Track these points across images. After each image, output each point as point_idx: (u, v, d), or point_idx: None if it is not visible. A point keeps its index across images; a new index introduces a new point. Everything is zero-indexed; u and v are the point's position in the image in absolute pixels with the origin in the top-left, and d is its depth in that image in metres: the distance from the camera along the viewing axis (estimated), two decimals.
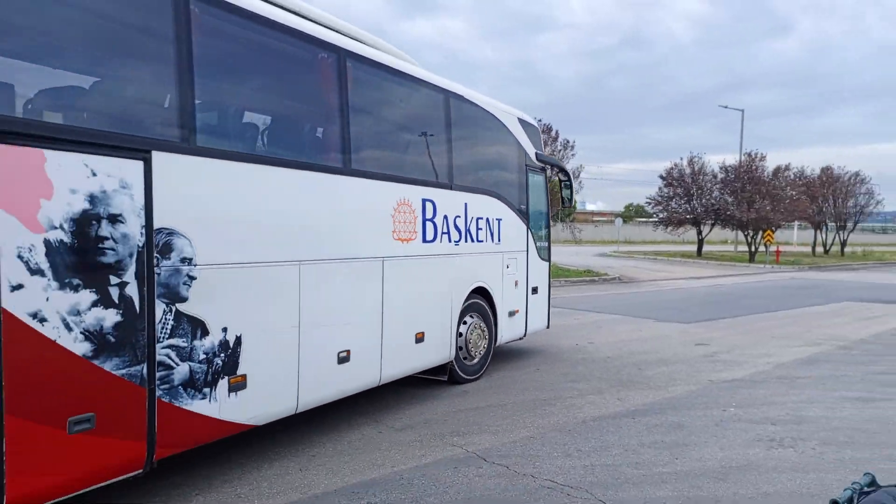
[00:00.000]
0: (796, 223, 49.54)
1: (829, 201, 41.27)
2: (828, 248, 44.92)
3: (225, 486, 4.31)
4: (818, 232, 44.50)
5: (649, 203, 38.28)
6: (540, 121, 19.65)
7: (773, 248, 33.84)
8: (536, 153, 8.82)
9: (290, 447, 5.06)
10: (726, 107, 40.31)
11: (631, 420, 5.90)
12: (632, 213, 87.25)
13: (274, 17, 4.68)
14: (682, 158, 36.13)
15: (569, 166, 18.89)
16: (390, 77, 6.08)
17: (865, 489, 2.00)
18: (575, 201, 9.31)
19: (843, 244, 44.83)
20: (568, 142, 21.79)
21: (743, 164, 34.86)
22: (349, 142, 5.41)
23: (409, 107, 6.64)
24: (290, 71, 5.17)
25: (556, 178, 9.88)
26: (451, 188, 6.88)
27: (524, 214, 8.43)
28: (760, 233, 34.04)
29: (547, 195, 9.34)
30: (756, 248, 35.27)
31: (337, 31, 5.50)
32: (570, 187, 9.69)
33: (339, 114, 5.33)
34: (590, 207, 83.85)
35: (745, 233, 35.10)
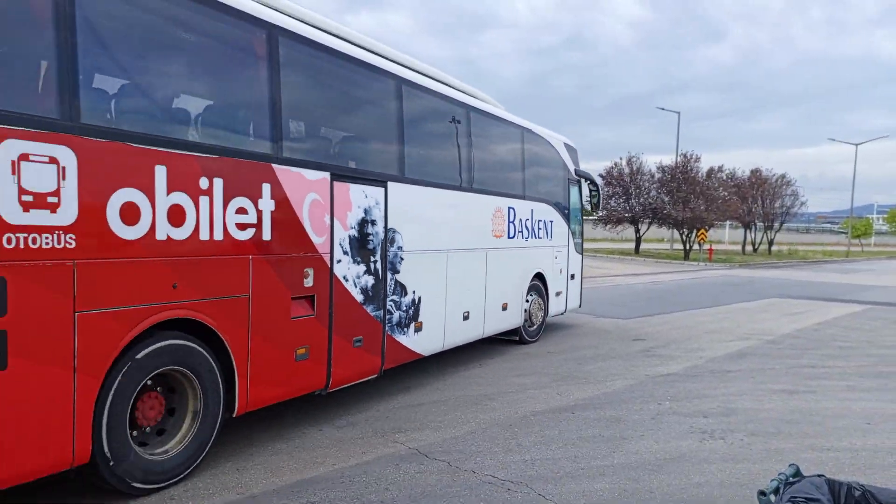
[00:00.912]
0: (728, 223, 51.58)
1: (757, 202, 43.04)
2: (756, 246, 46.92)
3: (168, 488, 4.16)
4: (748, 231, 46.41)
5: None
6: None
7: (706, 247, 35.13)
8: (575, 169, 11.15)
9: (226, 447, 4.93)
10: (663, 109, 41.61)
11: (571, 414, 6.01)
12: None
13: (455, 101, 7.60)
14: (621, 158, 36.97)
15: None
16: (494, 122, 8.54)
17: (791, 479, 2.10)
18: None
19: (771, 243, 46.90)
20: None
21: (679, 165, 35.98)
22: (473, 169, 7.91)
23: (502, 140, 8.93)
24: (449, 131, 7.59)
25: (588, 188, 11.81)
26: (524, 198, 9.22)
27: (566, 217, 10.81)
28: (695, 231, 35.26)
29: (581, 202, 11.53)
30: (691, 247, 36.52)
31: (461, 92, 8.02)
32: (599, 195, 11.79)
33: (467, 151, 7.83)
34: None
35: (681, 231, 36.28)
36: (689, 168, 36.11)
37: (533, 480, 4.40)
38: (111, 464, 3.83)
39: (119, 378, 3.85)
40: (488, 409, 6.14)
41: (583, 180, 11.49)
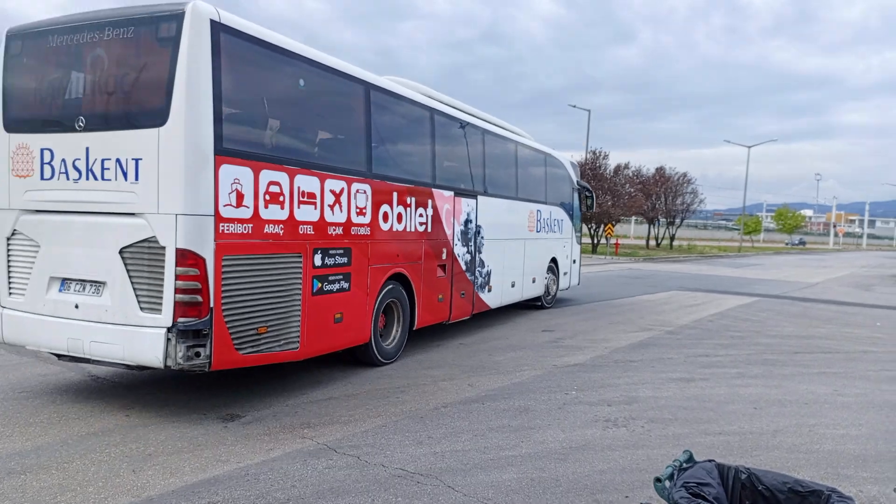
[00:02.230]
0: (633, 218, 53.83)
1: (661, 199, 45.20)
2: (659, 241, 49.28)
3: (43, 494, 3.88)
4: (651, 226, 48.66)
5: None
6: None
7: (612, 241, 36.51)
8: (577, 180, 14.78)
9: (122, 447, 4.66)
10: (575, 106, 42.69)
11: (481, 405, 6.08)
12: None
13: (509, 139, 11.16)
14: None
15: None
16: (529, 150, 12.09)
17: (684, 465, 2.20)
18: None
19: (672, 238, 49.41)
20: None
21: (588, 161, 37.21)
22: (518, 184, 11.37)
23: (533, 162, 12.42)
24: (507, 159, 11.14)
25: (584, 194, 15.18)
26: (546, 203, 12.69)
27: (571, 217, 14.37)
28: (602, 226, 36.59)
29: (580, 205, 15.03)
30: (598, 241, 37.86)
31: (510, 131, 11.45)
32: (592, 199, 15.60)
33: (515, 171, 11.32)
34: None
35: (589, 226, 37.55)
36: (597, 165, 37.42)
37: (443, 473, 4.42)
38: (374, 343, 7.26)
39: (379, 299, 7.24)
40: (399, 401, 6.12)
41: (582, 189, 15.05)
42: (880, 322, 13.22)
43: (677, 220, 48.92)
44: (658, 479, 1.98)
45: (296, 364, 7.36)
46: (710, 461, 2.22)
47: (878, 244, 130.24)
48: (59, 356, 5.67)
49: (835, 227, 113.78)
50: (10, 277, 5.70)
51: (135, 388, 6.24)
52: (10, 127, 5.64)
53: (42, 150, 5.42)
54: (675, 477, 2.11)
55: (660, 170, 45.87)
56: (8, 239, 5.68)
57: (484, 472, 4.47)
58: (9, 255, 5.69)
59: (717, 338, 10.38)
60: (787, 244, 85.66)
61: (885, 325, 12.74)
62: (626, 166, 42.37)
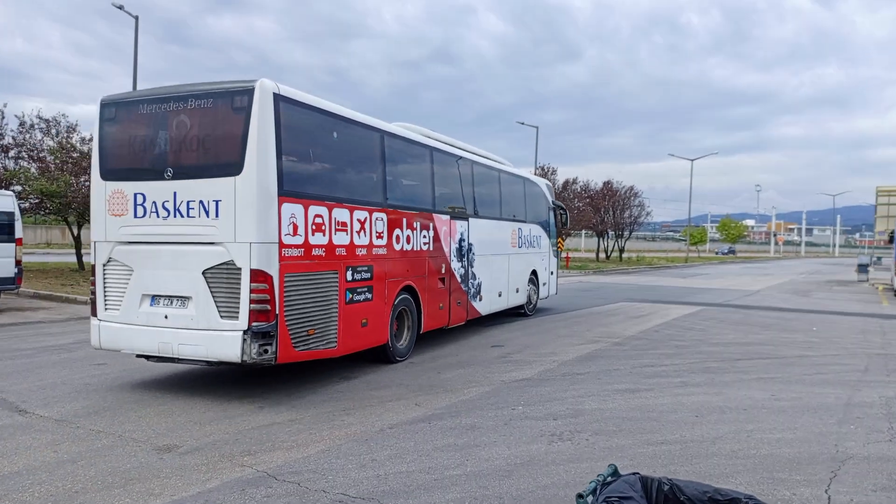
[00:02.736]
0: (583, 231, 54.70)
1: (609, 212, 46.09)
2: (609, 254, 50.18)
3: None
4: (601, 239, 49.53)
5: None
6: None
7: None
8: (553, 201, 16.45)
9: (47, 485, 4.44)
10: (523, 123, 43.34)
11: (427, 425, 6.02)
12: None
13: (493, 167, 12.88)
14: None
15: None
16: (511, 177, 13.79)
17: (608, 479, 2.21)
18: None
19: (622, 251, 50.37)
20: None
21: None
22: (503, 206, 12.86)
23: (515, 186, 13.95)
24: (492, 185, 12.71)
25: (559, 213, 16.81)
26: (525, 222, 14.21)
27: (548, 233, 15.91)
28: None
29: (556, 223, 16.56)
30: None
31: (495, 160, 13.21)
32: (567, 217, 17.31)
33: (500, 195, 12.82)
34: None
35: None
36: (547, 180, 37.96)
37: (385, 496, 4.35)
38: (391, 344, 8.63)
39: (394, 307, 8.62)
40: (344, 424, 6.02)
41: (557, 208, 16.63)
42: (816, 327, 13.71)
43: (626, 233, 49.94)
44: (580, 496, 1.98)
45: (239, 390, 7.20)
46: (634, 474, 2.24)
47: (815, 251, 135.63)
48: (147, 357, 7.12)
49: (775, 235, 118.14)
50: (105, 296, 7.14)
51: (65, 422, 5.97)
52: (107, 176, 7.14)
53: (135, 195, 6.91)
54: (598, 492, 2.11)
55: (607, 184, 46.80)
56: (104, 265, 7.15)
57: (427, 492, 4.42)
58: (105, 279, 7.15)
59: (662, 348, 10.58)
60: (716, 253, 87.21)
61: (821, 330, 13.21)
62: (575, 181, 43.15)
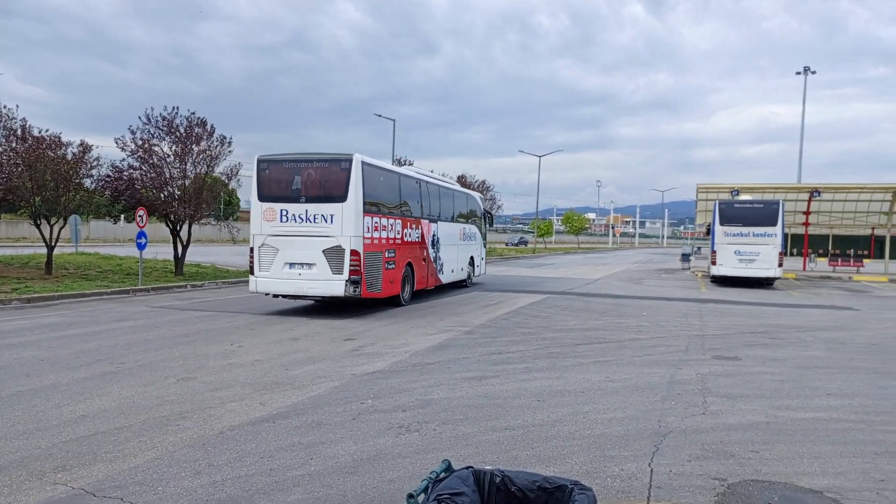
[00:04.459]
0: None
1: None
2: None
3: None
4: None
5: None
6: (194, 113, 20.63)
7: None
8: (484, 208, 24.04)
9: None
10: (380, 115, 43.22)
11: (271, 424, 5.76)
12: None
13: (446, 188, 20.42)
14: None
15: (226, 164, 22.19)
16: (460, 193, 21.43)
17: (441, 476, 2.19)
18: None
19: None
20: (225, 138, 20.72)
21: None
22: (455, 212, 20.11)
23: (461, 200, 21.13)
24: (448, 199, 19.63)
25: (486, 216, 24.24)
26: (467, 223, 21.22)
27: (481, 231, 22.89)
28: None
29: (485, 223, 23.73)
30: None
31: (449, 181, 22.41)
32: (492, 218, 26.30)
33: (453, 206, 19.95)
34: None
35: None
36: None
37: (222, 503, 4.08)
38: (402, 295, 15.25)
39: (403, 274, 15.21)
40: (180, 429, 5.59)
41: (486, 213, 24.29)
42: (646, 312, 14.94)
43: None
44: (411, 496, 1.93)
45: (63, 395, 6.50)
46: (467, 468, 2.23)
47: (647, 242, 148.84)
48: (285, 296, 13.78)
49: (613, 228, 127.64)
50: (260, 263, 13.16)
51: None
52: (262, 199, 13.23)
53: (281, 210, 13.02)
54: (430, 490, 2.08)
55: (461, 178, 47.94)
56: (259, 248, 13.16)
57: (267, 496, 4.20)
58: (260, 254, 13.16)
59: (509, 335, 10.98)
60: (506, 244, 79.70)
61: (650, 315, 14.41)
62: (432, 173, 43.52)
